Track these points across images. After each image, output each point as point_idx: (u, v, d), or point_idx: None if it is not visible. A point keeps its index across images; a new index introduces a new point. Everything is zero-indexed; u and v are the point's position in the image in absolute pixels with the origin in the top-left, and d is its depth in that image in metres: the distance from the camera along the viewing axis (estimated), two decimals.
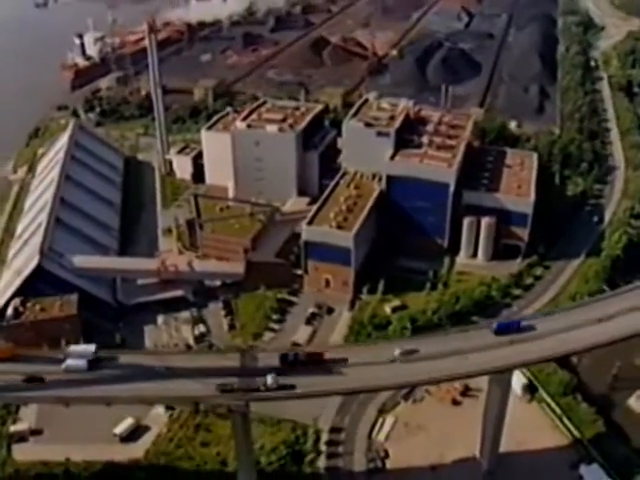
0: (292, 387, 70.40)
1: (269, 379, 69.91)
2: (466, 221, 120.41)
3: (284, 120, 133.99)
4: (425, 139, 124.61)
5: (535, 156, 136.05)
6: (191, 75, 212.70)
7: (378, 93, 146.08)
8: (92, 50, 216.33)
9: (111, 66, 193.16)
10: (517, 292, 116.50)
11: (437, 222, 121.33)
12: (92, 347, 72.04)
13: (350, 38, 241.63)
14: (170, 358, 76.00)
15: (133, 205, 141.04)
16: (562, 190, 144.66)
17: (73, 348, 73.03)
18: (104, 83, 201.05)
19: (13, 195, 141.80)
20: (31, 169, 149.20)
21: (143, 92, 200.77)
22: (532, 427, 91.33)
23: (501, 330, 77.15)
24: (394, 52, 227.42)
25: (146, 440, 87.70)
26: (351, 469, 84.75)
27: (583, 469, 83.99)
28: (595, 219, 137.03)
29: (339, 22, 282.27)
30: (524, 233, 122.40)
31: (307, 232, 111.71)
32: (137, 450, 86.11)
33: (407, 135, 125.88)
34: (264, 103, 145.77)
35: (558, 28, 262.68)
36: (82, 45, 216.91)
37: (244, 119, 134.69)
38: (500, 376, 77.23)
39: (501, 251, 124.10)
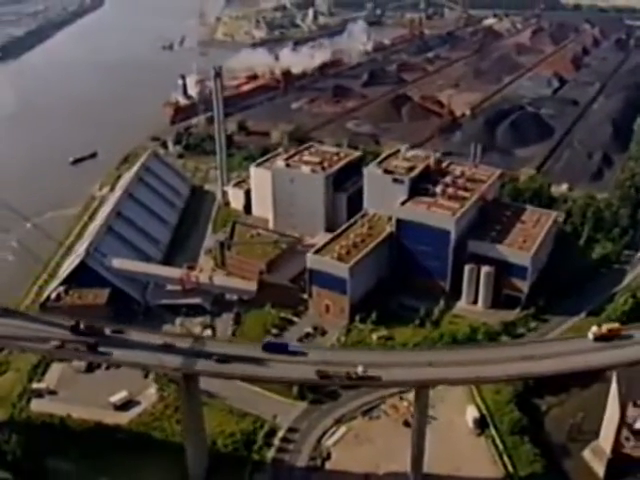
0: (379, 379, 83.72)
1: (359, 369, 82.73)
2: (467, 268, 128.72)
3: (321, 163, 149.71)
4: (439, 189, 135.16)
5: (553, 215, 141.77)
6: (278, 120, 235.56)
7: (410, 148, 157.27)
8: (193, 91, 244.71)
9: (199, 106, 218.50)
10: (505, 340, 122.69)
11: (440, 266, 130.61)
12: None
13: (429, 96, 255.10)
14: None
15: (188, 226, 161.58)
16: (585, 251, 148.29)
17: None
18: (195, 121, 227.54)
19: (92, 208, 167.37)
20: (112, 188, 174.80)
21: (229, 131, 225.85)
22: (473, 457, 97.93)
23: (268, 348, 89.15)
24: (467, 112, 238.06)
25: (134, 411, 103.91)
26: (294, 464, 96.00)
27: None
28: (610, 282, 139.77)
29: (431, 81, 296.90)
30: (524, 285, 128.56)
31: (311, 260, 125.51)
32: (124, 418, 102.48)
33: (424, 184, 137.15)
34: (310, 147, 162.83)
35: None
36: (184, 85, 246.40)
37: (286, 159, 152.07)
38: (420, 395, 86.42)
39: (503, 301, 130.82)
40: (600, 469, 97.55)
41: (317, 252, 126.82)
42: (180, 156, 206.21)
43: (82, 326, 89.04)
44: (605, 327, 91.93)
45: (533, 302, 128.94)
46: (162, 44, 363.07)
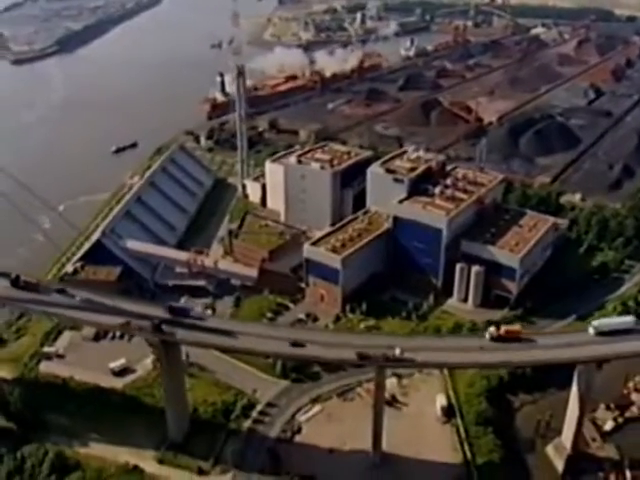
0: (412, 360, 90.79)
1: (397, 351, 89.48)
2: (458, 267, 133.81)
3: (331, 161, 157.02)
4: (437, 190, 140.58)
5: (551, 221, 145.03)
6: (309, 120, 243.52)
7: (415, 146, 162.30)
8: (230, 88, 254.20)
9: (232, 104, 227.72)
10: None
11: (432, 263, 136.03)
12: None
13: (458, 102, 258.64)
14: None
15: (206, 215, 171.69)
16: (585, 259, 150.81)
17: None
18: (226, 118, 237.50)
19: (120, 195, 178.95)
20: (142, 176, 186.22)
21: (260, 129, 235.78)
22: (435, 443, 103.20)
23: (172, 311, 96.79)
24: (493, 119, 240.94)
25: (129, 378, 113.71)
26: (266, 434, 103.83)
27: None
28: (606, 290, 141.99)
29: (466, 88, 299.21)
30: (512, 286, 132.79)
31: (308, 251, 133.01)
32: (119, 383, 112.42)
33: (424, 184, 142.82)
34: (325, 145, 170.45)
35: None
36: (222, 83, 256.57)
37: (299, 156, 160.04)
38: (379, 375, 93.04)
39: (493, 300, 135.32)
40: (560, 464, 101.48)
41: (315, 243, 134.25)
42: (210, 150, 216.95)
43: (22, 281, 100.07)
44: (503, 328, 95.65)
45: (523, 303, 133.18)
46: (211, 43, 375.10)
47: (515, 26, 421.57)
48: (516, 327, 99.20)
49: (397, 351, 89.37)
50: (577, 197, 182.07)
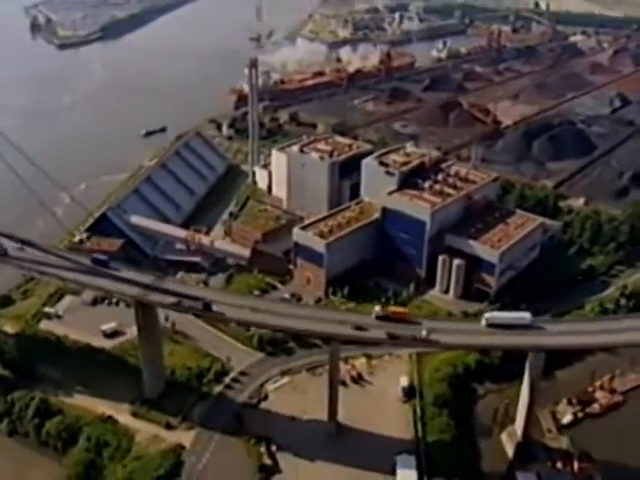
0: (437, 342, 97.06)
1: (424, 332, 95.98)
2: (440, 259, 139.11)
3: (331, 152, 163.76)
4: (427, 184, 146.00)
5: (538, 221, 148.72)
6: (330, 114, 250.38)
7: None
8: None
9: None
10: None
11: (417, 254, 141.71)
12: None
13: (477, 104, 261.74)
14: None
15: (215, 198, 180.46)
16: (573, 261, 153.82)
17: None
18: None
19: (137, 176, 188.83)
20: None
21: (281, 120, 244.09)
22: (392, 420, 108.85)
23: (95, 262, 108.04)
24: (509, 122, 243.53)
25: (118, 340, 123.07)
26: (234, 399, 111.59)
27: (399, 457, 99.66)
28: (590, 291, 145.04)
29: (490, 92, 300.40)
30: (492, 280, 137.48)
31: (297, 235, 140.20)
32: (108, 343, 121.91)
33: (415, 178, 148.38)
34: (330, 137, 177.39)
35: None
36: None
37: (302, 145, 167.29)
38: (333, 349, 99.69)
39: (474, 293, 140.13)
40: (510, 450, 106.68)
41: (304, 228, 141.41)
42: (229, 138, 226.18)
43: None
44: (391, 309, 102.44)
45: (503, 298, 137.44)
46: (250, 36, 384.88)
47: (554, 33, 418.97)
48: (402, 309, 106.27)
49: (424, 332, 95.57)
50: (580, 202, 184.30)
